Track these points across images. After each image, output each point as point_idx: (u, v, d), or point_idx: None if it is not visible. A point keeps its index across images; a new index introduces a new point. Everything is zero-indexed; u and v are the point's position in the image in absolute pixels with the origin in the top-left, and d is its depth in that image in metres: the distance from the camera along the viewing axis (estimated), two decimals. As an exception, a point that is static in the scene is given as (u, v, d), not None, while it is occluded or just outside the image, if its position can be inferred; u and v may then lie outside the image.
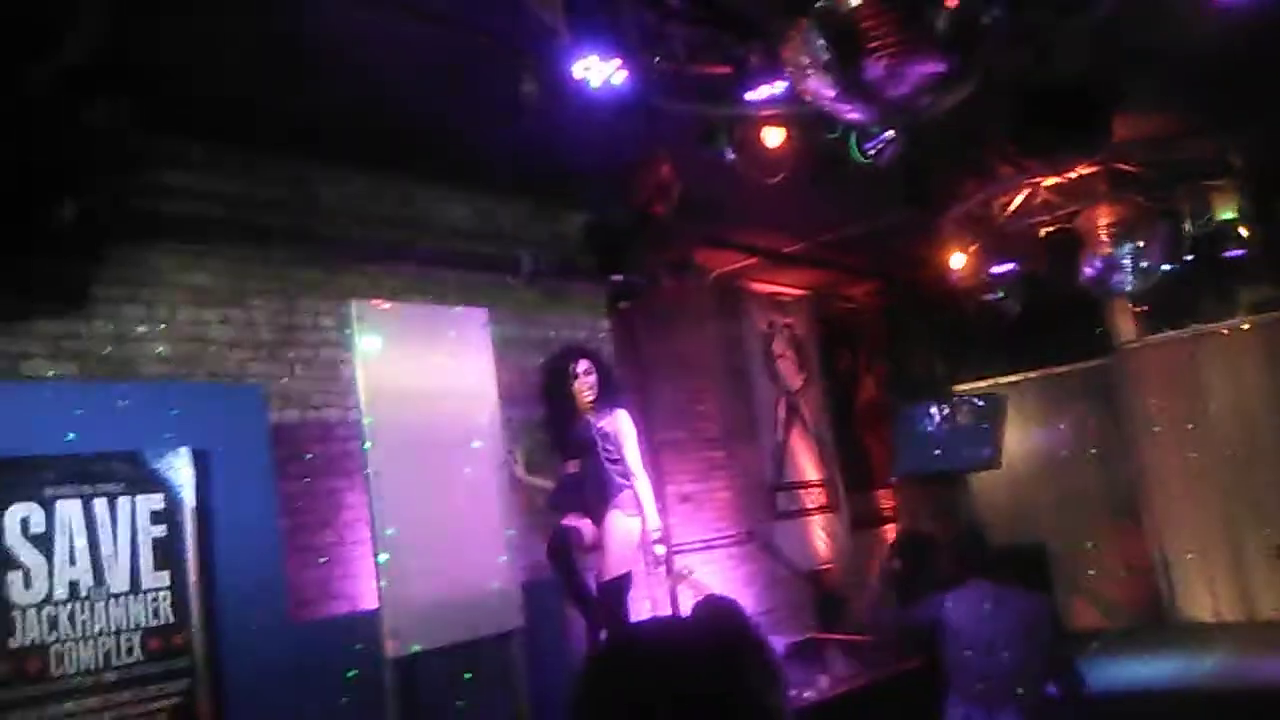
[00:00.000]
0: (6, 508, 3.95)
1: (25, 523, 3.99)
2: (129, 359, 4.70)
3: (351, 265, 5.59)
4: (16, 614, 3.90)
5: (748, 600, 7.71)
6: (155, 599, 4.26)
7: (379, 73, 4.69)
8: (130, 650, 4.15)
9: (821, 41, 3.54)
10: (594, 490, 5.53)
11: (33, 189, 3.97)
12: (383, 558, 4.77)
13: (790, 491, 8.91)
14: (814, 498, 9.16)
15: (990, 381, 10.32)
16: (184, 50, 4.26)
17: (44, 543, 4.02)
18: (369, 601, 5.01)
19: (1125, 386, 9.64)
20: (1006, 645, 4.52)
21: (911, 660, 6.54)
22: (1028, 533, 9.56)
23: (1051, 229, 7.38)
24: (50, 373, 4.42)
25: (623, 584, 5.49)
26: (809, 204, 6.34)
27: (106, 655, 4.08)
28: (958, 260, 7.69)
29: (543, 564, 5.59)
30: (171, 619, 4.29)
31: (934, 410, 9.71)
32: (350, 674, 4.82)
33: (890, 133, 4.92)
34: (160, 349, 4.80)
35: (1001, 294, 8.01)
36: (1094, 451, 9.87)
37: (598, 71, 4.03)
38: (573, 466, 5.70)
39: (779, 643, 6.80)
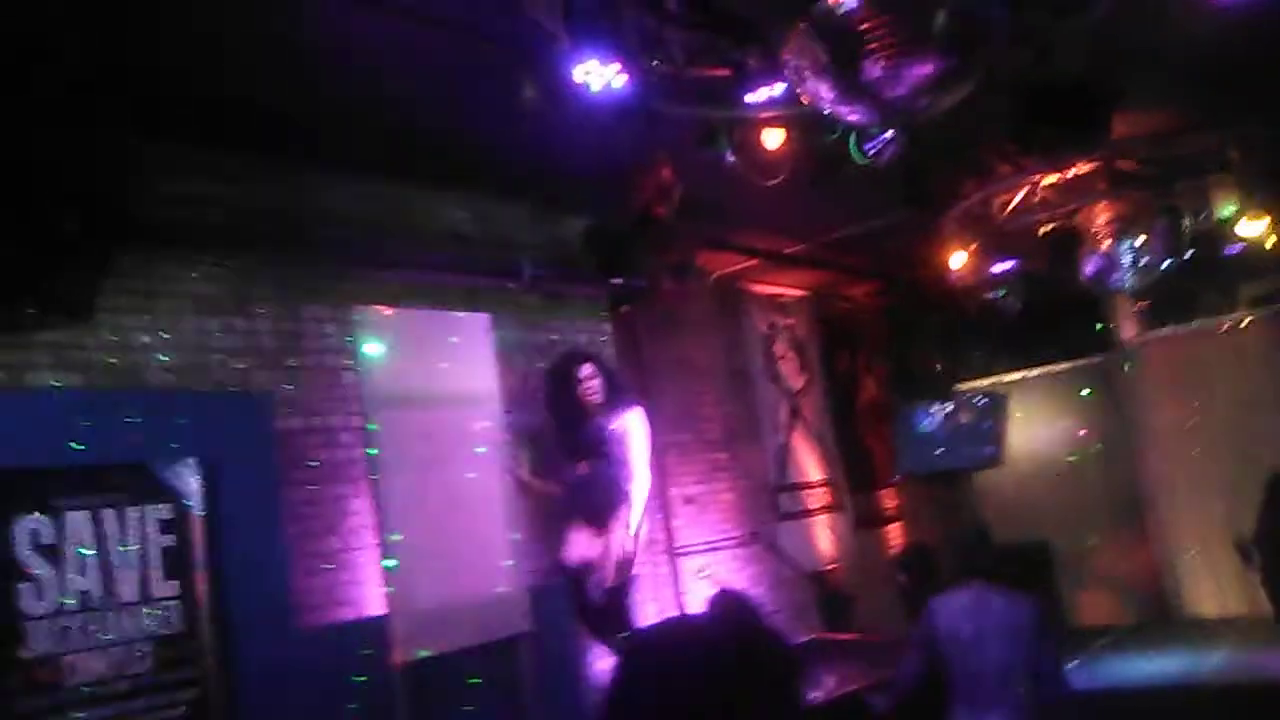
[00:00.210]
0: (16, 519, 3.97)
1: (35, 534, 4.01)
2: (134, 368, 4.70)
3: (353, 271, 5.59)
4: (29, 625, 3.91)
5: (753, 601, 7.70)
6: (165, 608, 4.29)
7: (379, 78, 4.70)
8: (142, 659, 4.17)
9: (819, 43, 3.56)
10: (603, 494, 5.53)
11: (36, 199, 3.98)
12: (389, 563, 4.79)
13: (793, 492, 8.91)
14: (817, 498, 9.15)
15: (992, 380, 10.33)
16: (184, 56, 4.27)
17: (53, 553, 4.04)
18: (376, 607, 5.03)
19: (1128, 383, 9.65)
20: (993, 646, 4.53)
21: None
22: (1032, 530, 9.57)
23: (1051, 227, 7.38)
24: (55, 383, 4.43)
25: (627, 589, 5.50)
26: (809, 205, 6.34)
27: (118, 665, 4.10)
28: (958, 259, 7.70)
29: (547, 569, 5.60)
30: (182, 628, 4.31)
31: (936, 409, 9.72)
32: (359, 679, 4.83)
33: (890, 133, 4.93)
34: (164, 358, 4.81)
35: (1002, 292, 8.02)
36: (1097, 448, 9.88)
37: (597, 75, 4.04)
38: (582, 469, 5.69)
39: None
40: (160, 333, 4.83)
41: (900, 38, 3.44)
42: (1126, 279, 7.25)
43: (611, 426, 5.61)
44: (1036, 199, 7.32)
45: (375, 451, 4.89)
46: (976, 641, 4.57)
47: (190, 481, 4.45)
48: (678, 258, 7.09)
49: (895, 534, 10.15)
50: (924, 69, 3.50)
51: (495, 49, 4.43)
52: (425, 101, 4.98)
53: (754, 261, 8.47)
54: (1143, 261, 7.11)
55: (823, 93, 3.70)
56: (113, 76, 4.04)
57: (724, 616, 1.39)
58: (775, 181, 5.24)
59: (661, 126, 4.93)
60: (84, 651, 4.02)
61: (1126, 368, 9.69)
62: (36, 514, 4.02)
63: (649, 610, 6.35)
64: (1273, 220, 7.50)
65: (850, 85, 3.60)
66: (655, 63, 4.23)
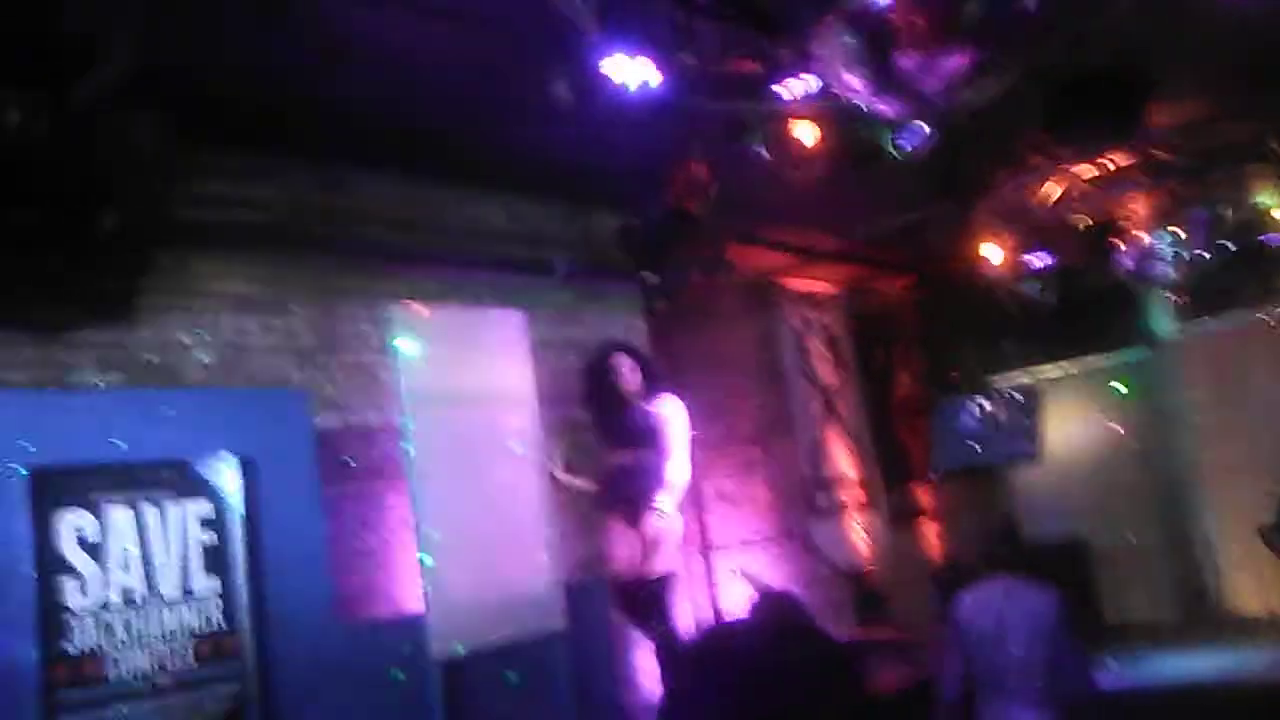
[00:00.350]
0: (60, 515, 4.03)
1: (79, 530, 4.07)
2: (173, 367, 4.76)
3: (388, 270, 5.64)
4: (74, 620, 3.97)
5: (789, 598, 7.67)
6: (206, 604, 4.34)
7: (411, 76, 4.73)
8: (183, 655, 4.22)
9: (851, 36, 3.55)
10: (646, 481, 5.49)
11: (76, 201, 4.03)
12: (426, 560, 4.82)
13: (828, 489, 8.88)
14: (852, 494, 9.11)
15: (1028, 375, 10.23)
16: (217, 57, 4.31)
17: (96, 550, 4.10)
18: (414, 604, 5.05)
19: (1166, 377, 9.53)
20: (1015, 640, 4.51)
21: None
22: (1069, 527, 9.48)
23: (1088, 220, 7.31)
24: (97, 382, 4.50)
25: (666, 583, 5.49)
26: (842, 199, 6.31)
27: (160, 660, 4.15)
28: (993, 253, 7.64)
29: (583, 565, 5.61)
30: (222, 624, 4.36)
31: (971, 404, 9.65)
32: (397, 675, 4.86)
33: (924, 125, 4.90)
34: (203, 357, 4.87)
35: (1039, 286, 7.95)
36: (1136, 444, 9.76)
37: (629, 70, 4.05)
38: (625, 458, 5.68)
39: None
40: (199, 331, 4.89)
41: (932, 29, 3.43)
42: (1166, 272, 7.17)
43: (654, 411, 5.61)
44: (1073, 192, 7.25)
45: (412, 449, 4.92)
46: (999, 633, 4.55)
47: (230, 479, 4.49)
48: (711, 253, 7.07)
49: (930, 531, 10.09)
50: (957, 61, 3.48)
51: (527, 46, 4.44)
52: (456, 99, 5.00)
53: (787, 257, 8.44)
54: (1182, 254, 7.04)
55: (855, 85, 3.69)
56: (150, 78, 4.09)
57: (774, 618, 1.40)
58: (808, 176, 5.22)
59: (694, 121, 4.93)
60: (127, 647, 4.08)
61: (1164, 362, 9.57)
62: (80, 510, 4.08)
63: (684, 608, 6.34)
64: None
65: (883, 78, 3.59)
66: (686, 57, 4.24)
